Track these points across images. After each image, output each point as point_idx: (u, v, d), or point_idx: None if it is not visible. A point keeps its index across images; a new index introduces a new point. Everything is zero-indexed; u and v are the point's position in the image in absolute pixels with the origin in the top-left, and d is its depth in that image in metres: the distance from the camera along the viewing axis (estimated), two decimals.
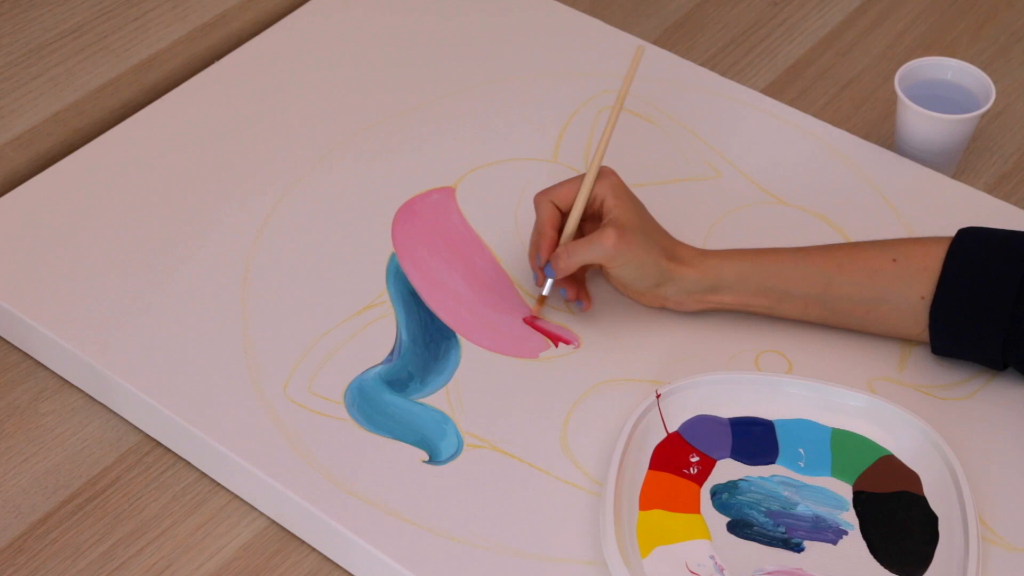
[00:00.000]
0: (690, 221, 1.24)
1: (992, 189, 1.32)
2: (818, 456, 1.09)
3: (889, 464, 1.08)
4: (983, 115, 1.29)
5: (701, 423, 1.10)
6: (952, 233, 1.12)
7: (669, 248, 1.14)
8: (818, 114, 1.37)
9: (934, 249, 1.12)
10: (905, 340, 1.15)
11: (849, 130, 1.34)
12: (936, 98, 1.30)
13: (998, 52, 1.45)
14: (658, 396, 1.09)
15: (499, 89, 1.36)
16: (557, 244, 1.15)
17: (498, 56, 1.40)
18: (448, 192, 1.27)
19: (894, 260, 1.12)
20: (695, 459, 1.08)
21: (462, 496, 1.07)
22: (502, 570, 1.03)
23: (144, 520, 1.09)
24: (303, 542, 1.08)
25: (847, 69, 1.43)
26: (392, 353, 1.15)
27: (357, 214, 1.25)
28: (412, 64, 1.39)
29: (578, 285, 1.17)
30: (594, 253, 1.12)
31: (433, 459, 1.09)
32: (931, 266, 1.11)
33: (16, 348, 1.19)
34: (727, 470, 1.08)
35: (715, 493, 1.07)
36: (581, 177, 1.15)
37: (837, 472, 1.08)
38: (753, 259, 1.14)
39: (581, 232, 1.16)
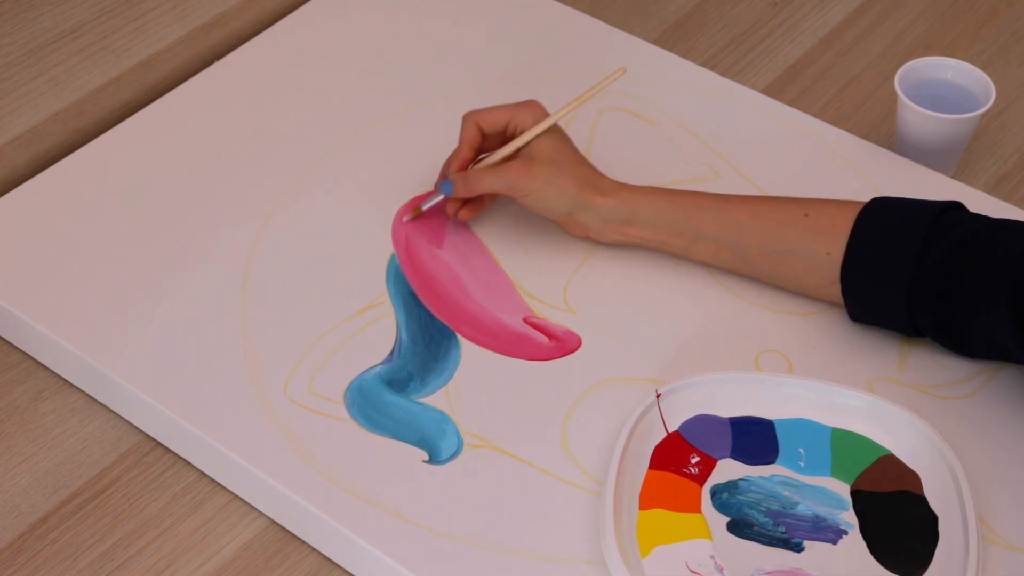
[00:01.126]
0: None
1: (992, 189, 1.32)
2: (818, 456, 1.09)
3: (889, 463, 1.08)
4: (983, 115, 1.29)
5: (701, 423, 1.10)
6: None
7: (586, 179, 1.17)
8: (818, 114, 1.37)
9: (847, 210, 1.13)
10: (826, 303, 1.16)
11: (849, 130, 1.34)
12: (936, 98, 1.30)
13: (998, 52, 1.45)
14: (658, 396, 1.09)
15: (499, 89, 1.35)
16: (470, 162, 1.19)
17: (498, 56, 1.40)
18: None
19: (806, 215, 1.14)
20: (696, 459, 1.08)
21: (462, 496, 1.07)
22: (502, 569, 1.03)
23: (144, 520, 1.09)
24: (303, 542, 1.08)
25: (847, 69, 1.43)
26: (392, 353, 1.15)
27: (357, 214, 1.25)
28: (412, 64, 1.39)
29: (466, 207, 1.22)
30: (497, 183, 1.17)
31: (433, 459, 1.09)
32: (840, 225, 1.12)
33: (16, 348, 1.19)
34: (727, 470, 1.08)
35: (715, 493, 1.07)
36: (510, 105, 1.19)
37: (837, 472, 1.08)
38: (672, 198, 1.17)
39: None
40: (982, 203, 1.27)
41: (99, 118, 1.35)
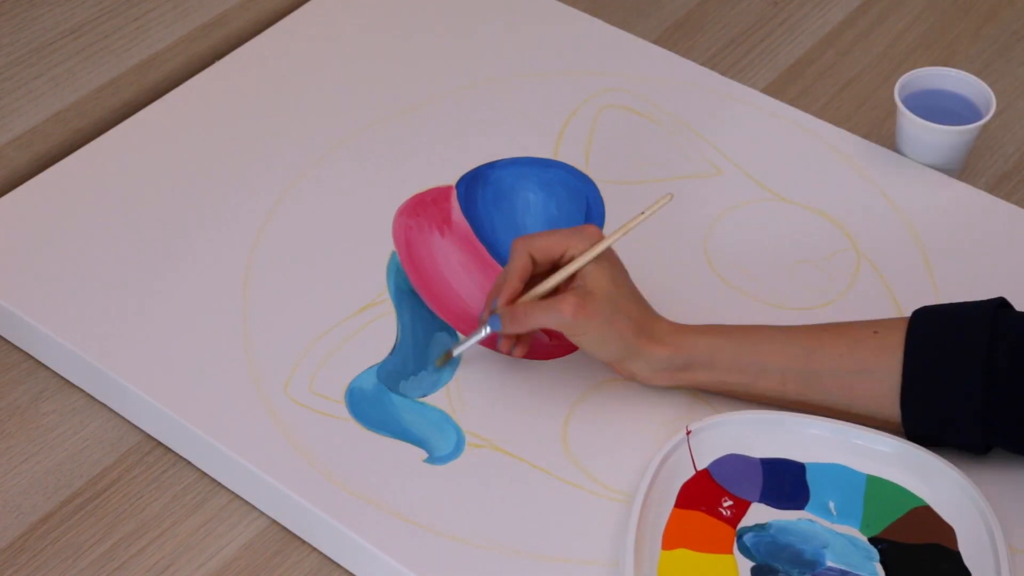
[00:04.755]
0: (691, 218, 1.24)
1: (992, 189, 1.32)
2: (850, 503, 1.05)
3: (923, 515, 1.04)
4: (983, 126, 1.29)
5: (731, 462, 1.07)
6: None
7: (642, 322, 1.08)
8: (818, 114, 1.37)
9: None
10: (886, 429, 1.09)
11: (849, 129, 1.34)
12: (936, 108, 1.30)
13: (998, 52, 1.45)
14: (688, 433, 1.07)
15: (499, 89, 1.36)
16: (519, 294, 1.09)
17: (498, 56, 1.40)
18: (447, 191, 1.27)
19: (875, 332, 1.07)
20: (728, 502, 1.05)
21: (462, 495, 1.07)
22: (502, 569, 1.03)
23: (145, 520, 1.09)
24: (304, 542, 1.08)
25: (847, 69, 1.43)
26: (393, 352, 1.15)
27: (357, 213, 1.25)
28: (412, 64, 1.39)
29: (521, 342, 1.12)
30: (551, 319, 1.07)
31: (434, 458, 1.09)
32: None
33: (17, 348, 1.19)
34: (755, 513, 1.05)
35: (740, 535, 1.04)
36: (565, 232, 1.09)
37: (868, 521, 1.04)
38: (730, 334, 1.09)
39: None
40: (982, 203, 1.27)
41: (99, 118, 1.35)
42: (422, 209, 1.25)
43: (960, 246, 1.23)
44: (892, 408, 1.06)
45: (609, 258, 1.09)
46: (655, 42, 1.43)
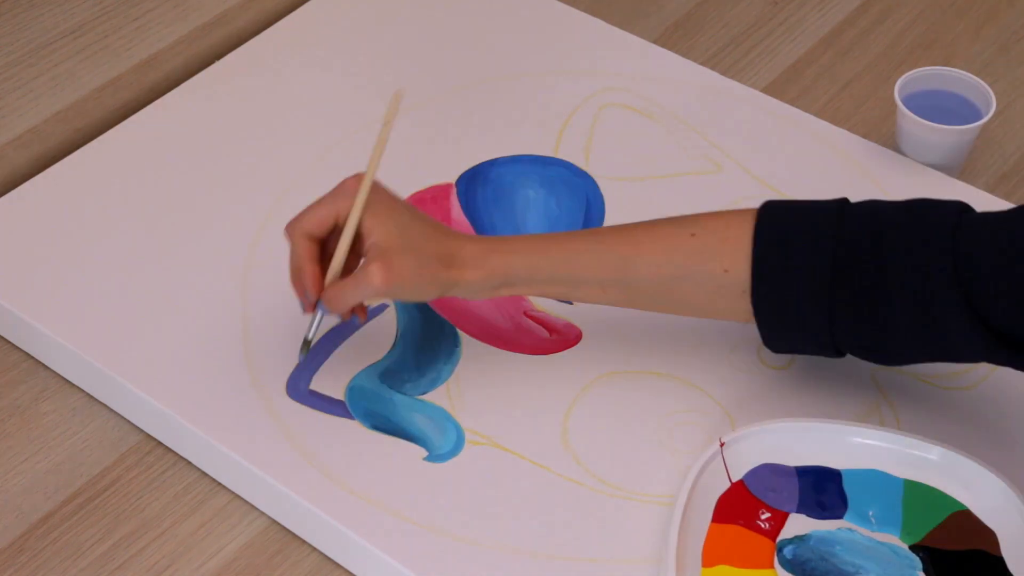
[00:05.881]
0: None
1: (992, 189, 1.32)
2: (889, 511, 1.04)
3: (964, 519, 1.03)
4: (983, 126, 1.29)
5: (766, 472, 1.06)
6: None
7: (447, 253, 1.04)
8: (818, 113, 1.37)
9: (735, 221, 1.04)
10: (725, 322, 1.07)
11: (850, 129, 1.34)
12: (936, 108, 1.30)
13: (998, 52, 1.45)
14: (722, 445, 1.06)
15: (499, 88, 1.36)
16: (321, 277, 1.05)
17: (498, 55, 1.40)
18: (447, 189, 1.27)
19: (692, 235, 1.04)
20: (766, 515, 1.03)
21: (462, 493, 1.07)
22: (503, 568, 1.03)
23: (145, 520, 1.09)
24: (304, 541, 1.08)
25: (847, 68, 1.43)
26: (392, 350, 1.15)
27: None
28: (412, 63, 1.39)
29: (356, 309, 1.08)
30: (365, 293, 1.03)
31: (434, 456, 1.09)
32: (731, 236, 1.03)
33: (17, 348, 1.19)
34: (793, 524, 1.03)
35: (780, 548, 1.02)
36: (326, 199, 1.05)
37: (908, 527, 1.03)
38: (545, 250, 1.06)
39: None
40: (982, 202, 1.27)
41: (99, 118, 1.35)
42: (422, 207, 1.25)
43: None
44: (718, 308, 1.05)
45: (383, 202, 1.05)
46: (655, 42, 1.43)
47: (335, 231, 1.06)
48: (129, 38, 1.39)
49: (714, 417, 1.12)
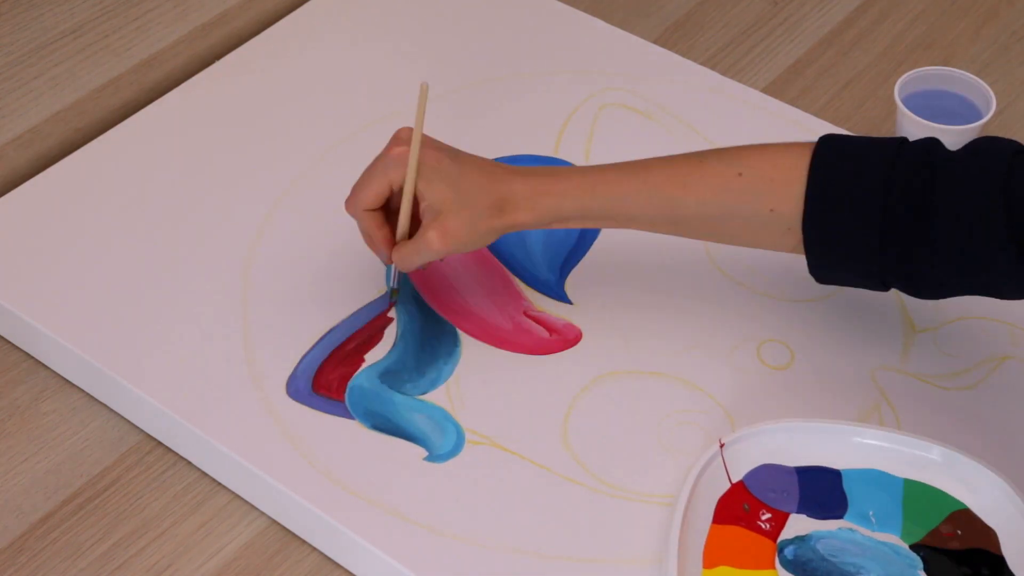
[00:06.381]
0: None
1: None
2: (889, 511, 1.04)
3: (964, 519, 1.03)
4: (983, 126, 1.29)
5: (766, 472, 1.06)
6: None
7: (498, 199, 1.08)
8: (819, 113, 1.37)
9: (782, 159, 1.06)
10: (786, 255, 1.10)
11: (850, 129, 1.34)
12: (936, 108, 1.30)
13: (998, 52, 1.45)
14: (721, 445, 1.06)
15: (499, 88, 1.36)
16: (391, 237, 1.11)
17: (498, 55, 1.40)
18: None
19: (739, 174, 1.06)
20: (766, 515, 1.04)
21: (463, 494, 1.07)
22: (503, 568, 1.03)
23: (145, 520, 1.09)
24: (304, 541, 1.08)
25: (847, 68, 1.43)
26: (392, 350, 1.15)
27: None
28: (412, 63, 1.39)
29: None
30: (427, 256, 1.09)
31: (434, 456, 1.09)
32: (779, 178, 1.05)
33: (17, 348, 1.19)
34: (795, 525, 1.04)
35: (781, 549, 1.02)
36: (376, 170, 1.10)
37: (908, 527, 1.03)
38: (594, 191, 1.09)
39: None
40: None
41: (99, 118, 1.35)
42: None
43: None
44: (769, 242, 1.08)
45: (431, 164, 1.09)
46: (655, 42, 1.44)
47: (392, 194, 1.10)
48: (129, 38, 1.39)
49: (714, 417, 1.12)
